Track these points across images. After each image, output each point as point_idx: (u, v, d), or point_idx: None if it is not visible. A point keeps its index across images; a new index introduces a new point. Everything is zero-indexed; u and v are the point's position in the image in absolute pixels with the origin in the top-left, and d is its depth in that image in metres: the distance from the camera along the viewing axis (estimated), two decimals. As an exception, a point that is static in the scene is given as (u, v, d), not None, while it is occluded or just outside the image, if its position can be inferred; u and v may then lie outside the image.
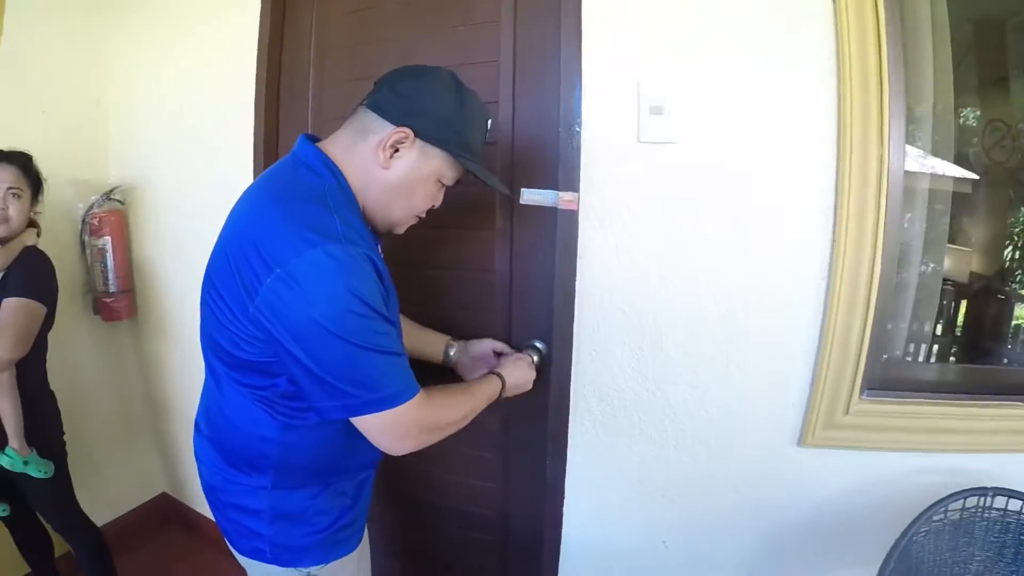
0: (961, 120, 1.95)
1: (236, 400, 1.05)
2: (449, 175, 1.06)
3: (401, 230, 1.12)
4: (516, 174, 1.49)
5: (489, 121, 1.09)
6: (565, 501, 1.55)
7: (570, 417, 1.49)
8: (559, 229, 1.36)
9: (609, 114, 1.33)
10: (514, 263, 1.54)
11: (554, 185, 1.40)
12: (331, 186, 0.98)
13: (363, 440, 1.07)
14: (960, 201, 2.00)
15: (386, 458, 1.22)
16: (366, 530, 1.27)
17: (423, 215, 1.12)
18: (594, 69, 1.34)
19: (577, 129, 1.33)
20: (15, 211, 1.68)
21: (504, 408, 1.44)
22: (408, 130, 0.99)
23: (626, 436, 1.48)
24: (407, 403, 0.97)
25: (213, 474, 1.14)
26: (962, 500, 1.29)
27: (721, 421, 1.43)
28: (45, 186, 1.79)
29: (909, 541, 1.23)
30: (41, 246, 1.79)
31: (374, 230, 1.09)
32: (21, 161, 1.71)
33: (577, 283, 1.40)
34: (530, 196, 1.38)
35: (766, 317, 1.36)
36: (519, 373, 1.34)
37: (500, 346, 1.47)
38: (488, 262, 1.57)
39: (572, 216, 1.34)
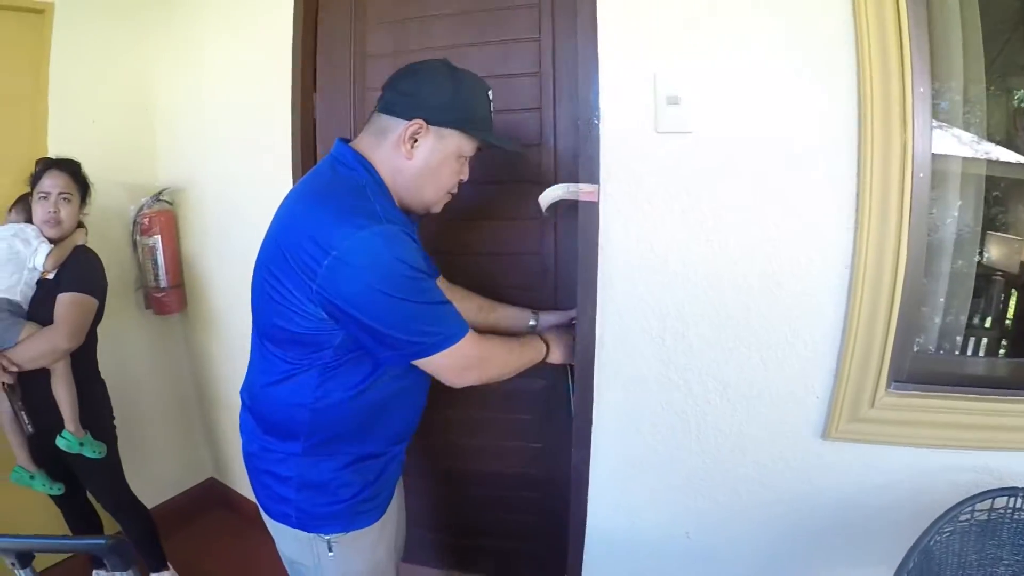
0: (1017, 102, 1.86)
1: (277, 373, 1.14)
2: (467, 148, 1.15)
3: (438, 208, 1.21)
4: (560, 172, 1.66)
5: (490, 91, 1.16)
6: (590, 489, 1.54)
7: (594, 405, 1.48)
8: (580, 220, 1.35)
9: (626, 105, 1.32)
10: (558, 246, 1.73)
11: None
12: (366, 178, 1.09)
13: (389, 415, 1.18)
14: (1010, 188, 1.91)
15: (421, 436, 1.32)
16: (395, 507, 1.31)
17: (455, 190, 1.21)
18: (610, 60, 1.32)
19: (596, 121, 1.32)
20: (66, 214, 1.77)
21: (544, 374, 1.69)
22: (420, 121, 1.09)
23: (649, 426, 1.46)
24: (462, 340, 1.10)
25: (251, 442, 1.22)
26: (990, 500, 1.22)
27: (744, 412, 1.40)
28: (92, 190, 1.87)
29: (931, 540, 1.17)
30: (95, 246, 1.87)
31: (410, 213, 1.19)
32: (70, 168, 1.80)
33: (599, 273, 1.39)
34: (551, 195, 1.38)
35: (789, 307, 1.33)
36: (566, 340, 1.43)
37: (574, 313, 1.54)
38: (536, 246, 1.76)
39: (592, 207, 1.33)
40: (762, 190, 1.30)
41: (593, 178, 1.33)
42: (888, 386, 1.37)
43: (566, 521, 1.71)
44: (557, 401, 1.81)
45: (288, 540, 1.22)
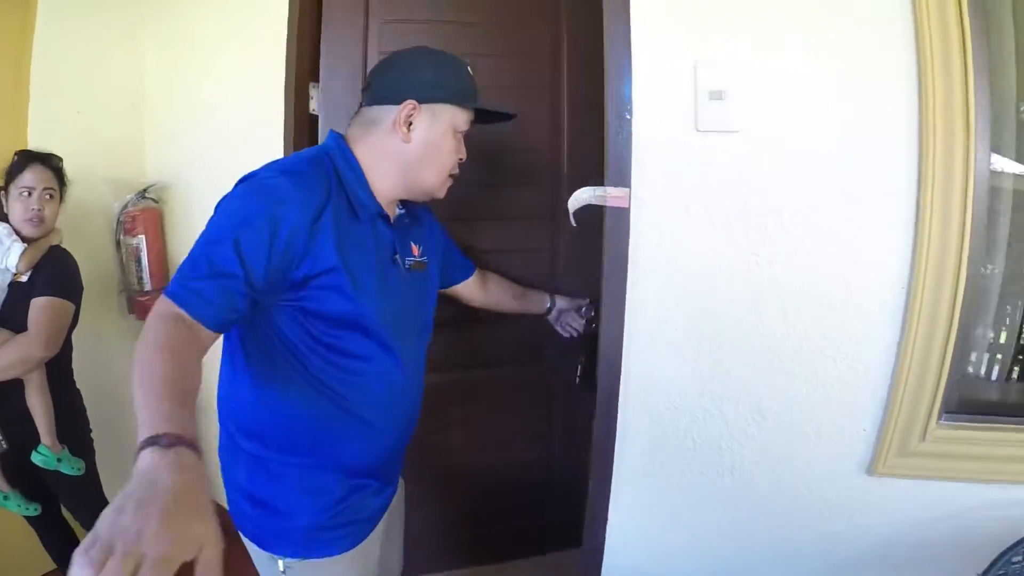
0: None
1: (224, 359, 1.06)
2: (461, 120, 1.07)
3: (441, 192, 1.11)
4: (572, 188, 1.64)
5: (468, 67, 1.09)
6: (608, 525, 1.32)
7: (617, 436, 1.25)
8: (607, 229, 1.14)
9: (663, 99, 1.10)
10: (562, 241, 1.84)
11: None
12: (328, 148, 1.03)
13: (323, 440, 1.03)
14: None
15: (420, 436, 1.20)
16: (374, 548, 1.14)
17: (456, 171, 1.11)
18: (645, 47, 1.10)
19: (627, 116, 1.10)
20: (50, 212, 1.60)
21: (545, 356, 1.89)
22: (412, 101, 1.01)
23: (678, 459, 1.24)
24: (175, 303, 0.82)
25: (220, 444, 1.12)
26: (1044, 539, 1.06)
27: (784, 446, 1.20)
28: (68, 188, 1.68)
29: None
30: (74, 245, 1.68)
31: (413, 204, 1.15)
32: (54, 163, 1.63)
33: (628, 290, 1.16)
34: (576, 200, 1.17)
35: (838, 330, 1.13)
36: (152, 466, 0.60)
37: (583, 301, 1.64)
38: (543, 243, 1.85)
39: (622, 214, 1.11)
40: (814, 200, 1.10)
41: (623, 181, 1.11)
42: (939, 417, 1.19)
43: (575, 490, 1.75)
44: (559, 381, 1.92)
45: (251, 551, 1.10)
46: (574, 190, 1.85)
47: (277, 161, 0.98)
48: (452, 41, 1.64)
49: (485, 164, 1.77)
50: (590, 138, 1.79)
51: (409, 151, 1.03)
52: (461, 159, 1.11)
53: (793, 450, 1.20)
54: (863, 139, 1.07)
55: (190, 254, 0.86)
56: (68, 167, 1.67)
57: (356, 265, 0.95)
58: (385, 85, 1.05)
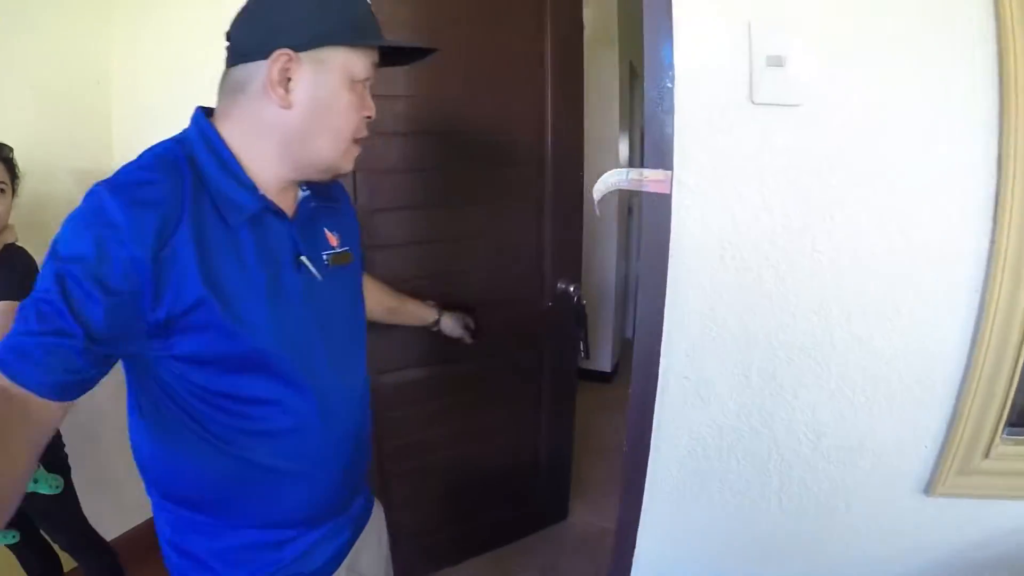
0: None
1: (127, 410, 0.85)
2: (359, 67, 0.77)
3: (348, 165, 0.82)
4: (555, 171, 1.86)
5: None
6: (636, 551, 1.10)
7: (651, 456, 1.03)
8: (644, 218, 0.92)
9: (711, 66, 0.88)
10: (547, 223, 1.87)
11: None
12: (186, 136, 0.77)
13: (258, 487, 0.81)
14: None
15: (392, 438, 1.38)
16: None
17: (362, 134, 0.81)
18: (689, 3, 0.87)
19: (669, 85, 0.88)
20: (3, 208, 1.39)
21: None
22: (285, 51, 0.72)
23: (719, 482, 1.05)
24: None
25: None
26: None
27: (838, 466, 1.01)
28: (21, 180, 1.46)
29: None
30: (35, 243, 1.45)
31: (316, 184, 0.85)
32: (5, 154, 1.42)
33: (668, 287, 0.94)
34: (604, 184, 0.94)
35: (905, 338, 0.94)
36: None
37: (468, 322, 1.54)
38: (529, 225, 1.85)
39: (662, 201, 0.90)
40: (884, 188, 0.90)
41: (664, 162, 0.90)
42: (1003, 432, 1.01)
43: (559, 469, 2.03)
44: (546, 367, 1.97)
45: None
46: (557, 172, 1.79)
47: (122, 168, 0.72)
48: (437, 21, 1.55)
49: (468, 148, 1.71)
50: (572, 119, 1.87)
51: (291, 119, 0.75)
52: (369, 117, 0.81)
53: (848, 471, 1.01)
54: (938, 120, 0.87)
55: (23, 300, 0.65)
56: (25, 157, 1.45)
57: (234, 290, 0.72)
58: (248, 34, 0.75)
